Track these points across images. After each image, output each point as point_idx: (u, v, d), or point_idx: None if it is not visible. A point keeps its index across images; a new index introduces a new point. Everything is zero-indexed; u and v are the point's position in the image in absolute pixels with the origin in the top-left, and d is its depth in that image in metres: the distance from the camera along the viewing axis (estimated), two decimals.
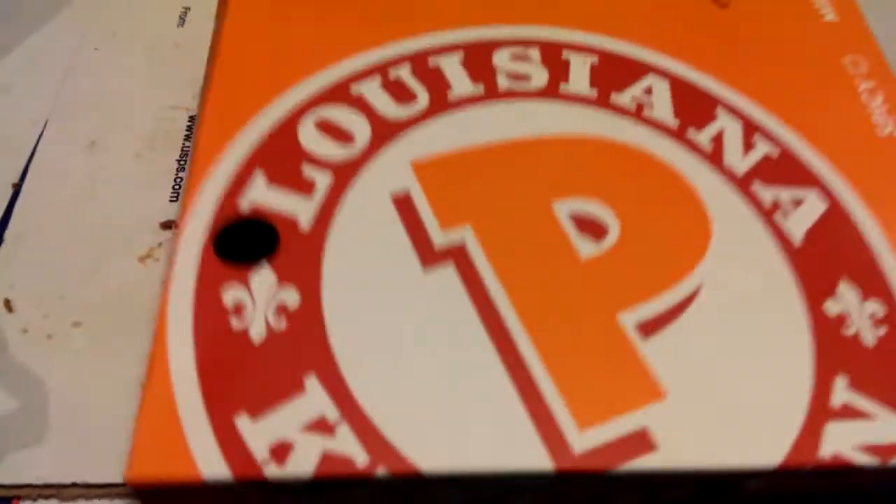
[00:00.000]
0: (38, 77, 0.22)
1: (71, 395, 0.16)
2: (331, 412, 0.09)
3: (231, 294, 0.10)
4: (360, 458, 0.09)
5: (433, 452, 0.09)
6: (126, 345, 0.17)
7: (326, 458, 0.09)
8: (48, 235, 0.18)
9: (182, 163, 0.19)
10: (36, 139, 0.20)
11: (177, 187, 0.19)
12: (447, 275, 0.11)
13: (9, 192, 0.19)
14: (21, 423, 0.15)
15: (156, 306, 0.17)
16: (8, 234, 0.18)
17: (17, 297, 0.17)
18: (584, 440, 0.09)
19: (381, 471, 0.09)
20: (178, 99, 0.22)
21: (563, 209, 0.12)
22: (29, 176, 0.20)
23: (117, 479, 0.14)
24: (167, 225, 0.19)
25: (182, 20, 0.24)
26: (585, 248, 0.11)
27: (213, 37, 0.15)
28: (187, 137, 0.20)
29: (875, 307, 0.11)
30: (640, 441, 0.09)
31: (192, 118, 0.21)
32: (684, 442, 0.09)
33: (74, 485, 0.13)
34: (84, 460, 0.15)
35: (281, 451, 0.09)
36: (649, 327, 0.10)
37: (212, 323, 0.10)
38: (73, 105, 0.21)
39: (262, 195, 0.11)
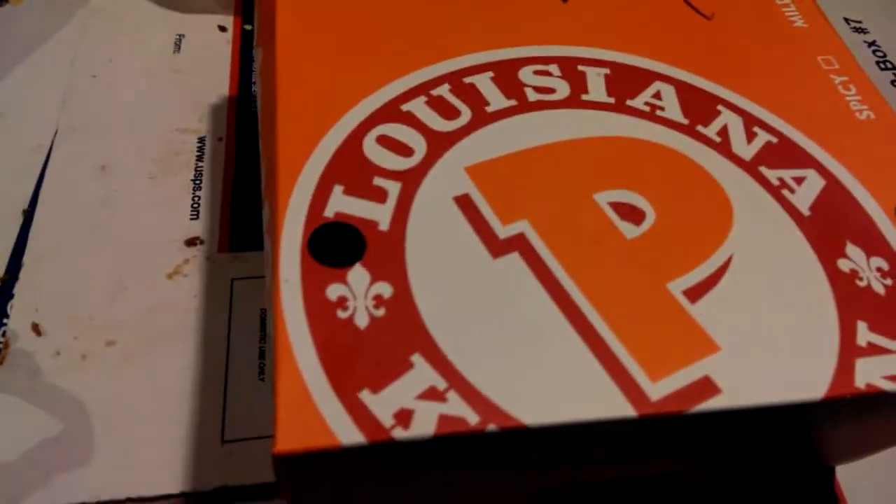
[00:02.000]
0: (33, 104, 0.22)
1: (112, 412, 0.16)
2: (439, 382, 0.10)
3: (333, 290, 0.11)
4: (471, 417, 0.10)
5: (533, 408, 0.10)
6: (162, 358, 0.18)
7: (443, 420, 0.10)
8: (68, 258, 0.19)
9: (197, 182, 0.20)
10: (41, 165, 0.21)
11: (195, 206, 0.20)
12: (514, 261, 0.12)
13: (20, 219, 0.20)
14: (67, 445, 0.15)
15: (191, 320, 0.18)
16: (26, 259, 0.19)
17: (45, 321, 0.18)
18: (657, 389, 0.11)
19: (491, 427, 0.10)
20: (185, 122, 0.23)
21: (603, 199, 0.13)
22: (40, 201, 0.21)
23: (167, 491, 0.15)
24: (192, 241, 0.20)
25: (178, 46, 0.25)
26: (629, 230, 0.13)
27: (259, 65, 0.16)
28: (199, 158, 0.21)
29: (880, 262, 0.13)
30: (706, 386, 0.11)
31: (202, 140, 0.22)
32: (743, 384, 0.11)
33: (128, 500, 0.14)
34: (133, 474, 0.16)
35: (404, 417, 0.10)
36: (695, 292, 0.12)
37: (322, 315, 0.11)
38: (78, 130, 0.22)
39: (343, 204, 0.12)
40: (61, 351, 0.17)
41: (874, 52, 0.27)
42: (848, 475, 0.19)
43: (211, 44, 0.26)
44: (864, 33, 0.28)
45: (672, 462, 0.13)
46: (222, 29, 0.25)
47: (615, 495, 0.15)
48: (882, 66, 0.26)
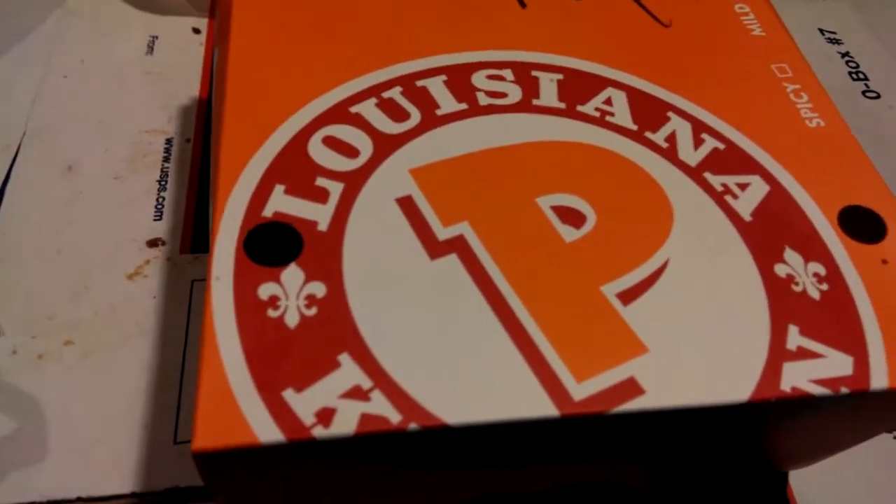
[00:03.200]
0: (4, 105, 0.23)
1: (67, 411, 0.16)
2: (364, 382, 0.10)
3: (265, 289, 0.11)
4: (393, 416, 0.10)
5: (455, 407, 0.10)
6: (120, 358, 0.18)
7: (365, 418, 0.10)
8: (30, 259, 0.19)
9: (163, 183, 0.20)
10: (9, 165, 0.21)
11: (160, 207, 0.20)
12: (452, 262, 0.12)
13: None
14: (20, 443, 0.15)
15: (149, 320, 0.18)
16: None
17: (4, 320, 0.18)
18: (582, 389, 0.11)
19: (412, 426, 0.10)
20: (154, 123, 0.23)
21: (546, 203, 0.13)
22: (5, 201, 0.21)
23: (119, 491, 0.15)
24: (153, 243, 0.20)
25: (150, 48, 0.25)
26: (568, 233, 0.13)
27: (215, 65, 0.16)
28: (166, 160, 0.21)
29: (817, 268, 0.13)
30: (630, 387, 0.11)
31: (169, 141, 0.22)
32: (667, 386, 0.11)
33: (79, 499, 0.14)
34: (86, 474, 0.16)
35: (325, 416, 0.10)
36: (629, 295, 0.12)
37: (251, 313, 0.11)
38: (46, 131, 0.22)
39: (283, 204, 0.12)
40: (18, 349, 0.17)
41: (847, 62, 0.27)
42: (801, 481, 0.19)
43: (184, 45, 0.26)
44: (838, 44, 0.28)
45: (613, 467, 0.14)
46: (196, 31, 0.25)
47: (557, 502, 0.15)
48: (854, 76, 0.27)
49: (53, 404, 0.17)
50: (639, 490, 0.15)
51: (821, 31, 0.28)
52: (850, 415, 0.13)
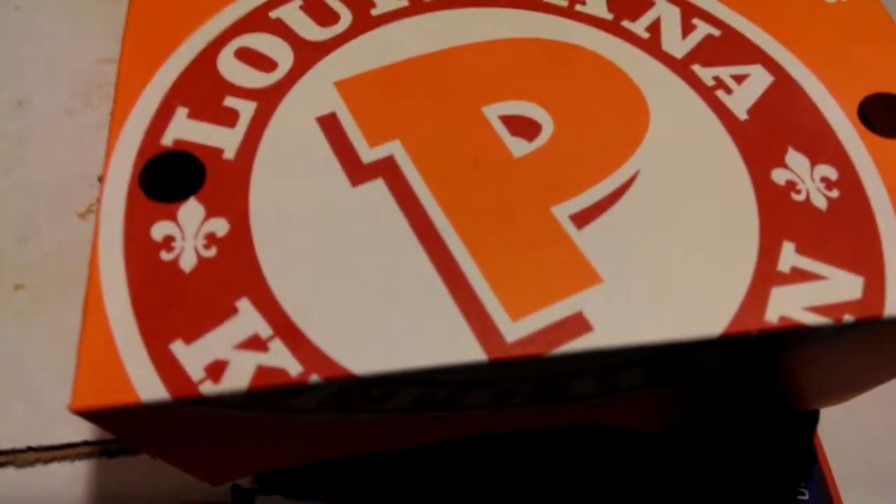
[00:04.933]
0: None
1: (18, 358, 0.16)
2: (263, 329, 0.09)
3: (159, 229, 0.10)
4: (293, 368, 0.09)
5: (365, 356, 0.09)
6: (70, 301, 0.17)
7: (260, 371, 0.09)
8: None
9: None
10: None
11: None
12: (376, 188, 0.10)
13: None
14: None
15: None
16: None
17: None
18: (516, 329, 0.09)
19: (314, 378, 0.09)
20: (108, 52, 0.22)
21: (494, 112, 0.11)
22: None
23: (69, 440, 0.14)
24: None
25: None
26: (518, 147, 0.11)
27: None
28: None
29: (827, 171, 0.11)
30: (575, 324, 0.09)
31: None
32: (621, 320, 0.09)
33: (30, 449, 0.13)
34: (36, 423, 0.15)
35: (216, 369, 0.09)
36: (584, 217, 0.10)
37: (142, 257, 0.10)
38: None
39: (185, 130, 0.11)
40: None
41: None
42: (826, 419, 0.17)
43: None
44: None
45: (592, 409, 0.12)
46: None
47: (541, 445, 0.14)
48: None
49: (3, 351, 0.16)
50: (638, 433, 0.14)
51: None
52: (874, 345, 0.11)
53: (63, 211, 0.18)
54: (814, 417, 0.16)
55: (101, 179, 0.18)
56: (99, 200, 0.10)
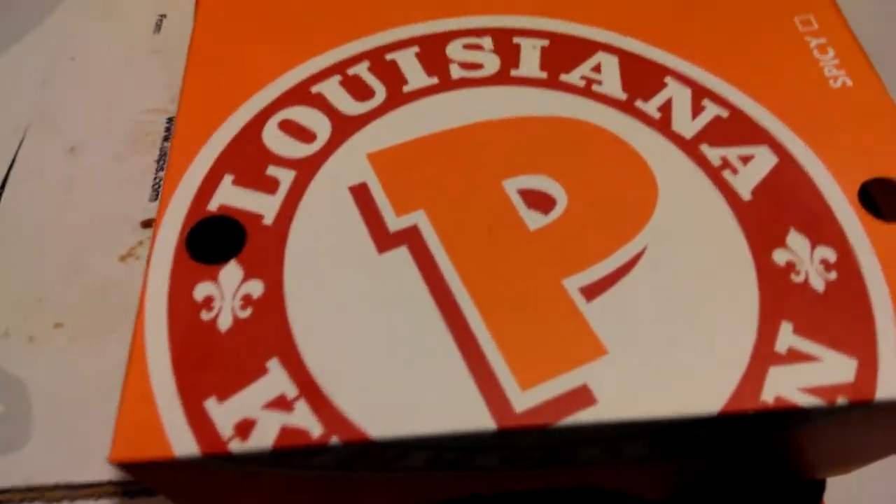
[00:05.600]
0: (17, 87, 0.23)
1: (54, 396, 0.16)
2: (290, 390, 0.10)
3: (202, 290, 0.11)
4: (315, 429, 0.09)
5: (381, 420, 0.10)
6: (108, 343, 0.18)
7: (284, 432, 0.09)
8: (26, 239, 0.19)
9: (161, 163, 0.20)
10: (16, 147, 0.21)
11: (156, 187, 0.20)
12: (401, 256, 0.11)
13: None
14: (4, 427, 0.16)
15: (137, 303, 0.18)
16: None
17: (1, 301, 0.18)
18: (525, 399, 0.10)
19: (333, 440, 0.09)
20: (157, 102, 0.23)
21: (513, 186, 0.12)
22: (9, 184, 0.21)
23: (100, 478, 0.15)
24: (148, 223, 0.20)
25: (158, 27, 0.25)
26: (533, 220, 0.12)
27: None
28: (166, 138, 0.21)
29: (826, 252, 0.12)
30: (580, 396, 0.10)
31: (170, 120, 0.22)
32: (624, 394, 0.10)
33: (58, 486, 0.14)
34: (68, 461, 0.15)
35: (244, 428, 0.09)
36: (593, 290, 0.11)
37: (184, 316, 0.10)
38: (53, 112, 0.22)
39: (230, 196, 0.12)
40: (10, 331, 0.18)
41: None
42: (833, 489, 0.17)
43: (191, 23, 0.26)
44: None
45: (601, 473, 0.13)
46: None
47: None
48: None
49: (40, 388, 0.17)
50: (642, 499, 0.14)
51: None
52: (872, 423, 0.11)
53: (105, 254, 0.19)
54: (820, 486, 0.16)
55: (143, 225, 0.20)
56: (148, 260, 0.11)
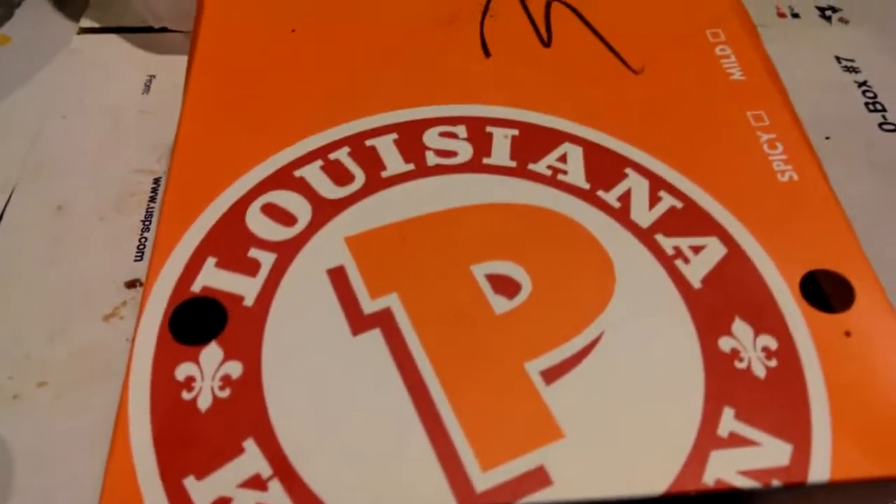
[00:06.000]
0: (6, 143, 0.23)
1: (37, 454, 0.17)
2: (264, 469, 0.10)
3: (183, 370, 0.11)
4: None
5: (351, 501, 0.10)
6: (91, 402, 0.18)
7: None
8: (12, 298, 0.19)
9: (146, 223, 0.21)
10: (3, 205, 0.22)
11: (141, 247, 0.20)
12: (373, 338, 0.12)
13: None
14: None
15: (121, 363, 0.18)
16: None
17: None
18: (485, 479, 0.10)
19: None
20: (144, 163, 0.24)
21: (481, 271, 0.13)
22: None
23: None
24: (132, 284, 0.20)
25: (147, 87, 0.26)
26: (499, 304, 0.13)
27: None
28: (152, 199, 0.22)
29: (768, 341, 0.13)
30: (537, 477, 0.11)
31: (156, 180, 0.22)
32: (578, 476, 0.11)
33: None
34: None
35: None
36: (553, 373, 0.12)
37: (166, 396, 0.11)
38: (41, 171, 0.23)
39: (213, 278, 0.13)
40: None
41: (864, 92, 0.26)
42: None
43: (180, 84, 0.27)
44: (855, 73, 0.26)
45: None
46: None
47: None
48: (871, 107, 0.25)
49: (23, 447, 0.17)
50: None
51: (837, 58, 0.27)
52: (812, 499, 0.12)
53: (89, 313, 0.20)
54: None
55: (127, 285, 0.20)
56: (133, 340, 0.12)
